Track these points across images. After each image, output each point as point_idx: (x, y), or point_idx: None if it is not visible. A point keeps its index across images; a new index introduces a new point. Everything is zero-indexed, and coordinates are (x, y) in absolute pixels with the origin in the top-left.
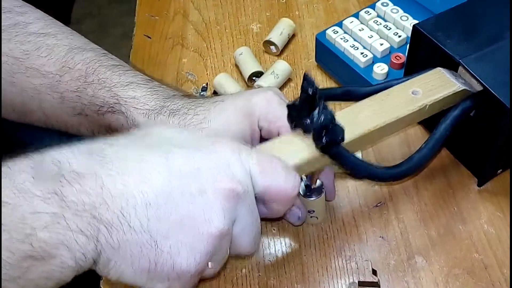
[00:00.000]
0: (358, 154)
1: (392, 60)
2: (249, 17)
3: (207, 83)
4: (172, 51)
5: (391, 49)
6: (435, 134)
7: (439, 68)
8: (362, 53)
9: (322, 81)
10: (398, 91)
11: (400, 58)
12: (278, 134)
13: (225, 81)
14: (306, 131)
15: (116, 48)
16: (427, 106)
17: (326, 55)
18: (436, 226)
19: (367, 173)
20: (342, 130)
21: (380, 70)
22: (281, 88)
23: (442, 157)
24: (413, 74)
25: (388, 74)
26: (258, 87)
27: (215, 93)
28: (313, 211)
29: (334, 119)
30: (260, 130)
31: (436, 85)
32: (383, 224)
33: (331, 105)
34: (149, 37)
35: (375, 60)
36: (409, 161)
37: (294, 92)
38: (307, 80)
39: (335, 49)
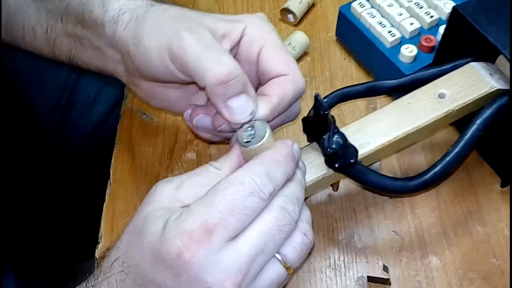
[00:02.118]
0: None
1: (421, 42)
2: None
3: None
4: None
5: (421, 30)
6: (464, 136)
7: (471, 64)
8: (389, 32)
9: (341, 57)
10: (423, 93)
11: (431, 41)
12: (259, 54)
13: None
14: (320, 146)
15: None
16: (454, 111)
17: (349, 30)
18: (454, 225)
19: (385, 188)
20: (355, 152)
21: (409, 52)
22: (297, 61)
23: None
24: (444, 65)
25: (416, 57)
26: None
27: None
28: None
29: (346, 142)
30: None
31: (466, 86)
32: (397, 218)
33: (354, 104)
34: None
35: (403, 40)
36: (432, 169)
37: (309, 67)
38: (318, 102)
39: (359, 24)
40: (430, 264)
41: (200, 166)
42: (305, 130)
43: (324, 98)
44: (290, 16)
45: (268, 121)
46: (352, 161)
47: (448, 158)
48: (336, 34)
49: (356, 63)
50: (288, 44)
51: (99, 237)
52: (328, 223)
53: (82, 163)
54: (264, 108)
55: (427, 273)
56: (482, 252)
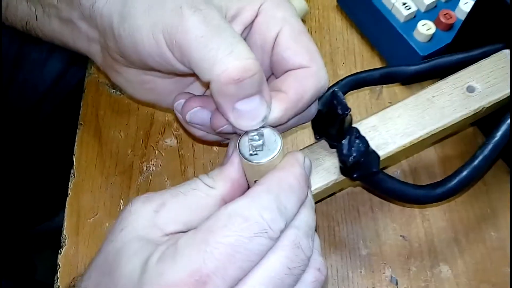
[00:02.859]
0: None
1: (439, 17)
2: None
3: None
4: None
5: (438, 3)
6: (493, 138)
7: (505, 52)
8: (404, 4)
9: (343, 28)
10: (450, 85)
11: (450, 17)
12: (276, 39)
13: None
14: (333, 146)
15: None
16: (485, 109)
17: None
18: (465, 229)
19: (407, 198)
20: (376, 160)
21: (426, 29)
22: None
23: (475, 138)
24: (472, 51)
25: (433, 36)
26: None
27: None
28: None
29: (368, 149)
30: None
31: (499, 79)
32: (405, 221)
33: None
34: None
35: (418, 15)
36: (457, 175)
37: None
38: (337, 100)
39: None
40: (441, 274)
41: (186, 181)
42: (314, 125)
43: (333, 85)
44: None
45: (280, 125)
46: (374, 170)
47: (475, 163)
48: (338, 1)
49: (359, 35)
50: None
51: (61, 240)
52: (329, 226)
53: (41, 122)
54: (278, 109)
55: (437, 284)
56: (496, 261)
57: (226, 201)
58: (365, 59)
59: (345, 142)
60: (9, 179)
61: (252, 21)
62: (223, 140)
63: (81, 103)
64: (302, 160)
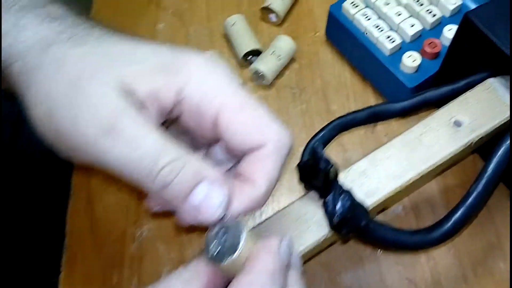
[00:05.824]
0: None
1: (424, 48)
2: None
3: None
4: (145, 13)
5: (422, 32)
6: (485, 173)
7: (489, 81)
8: (388, 37)
9: (333, 62)
10: (436, 121)
11: (436, 46)
12: (216, 124)
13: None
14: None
15: None
16: (474, 143)
17: (341, 34)
18: (473, 263)
19: (403, 245)
20: (364, 212)
21: (412, 61)
22: (282, 70)
23: (475, 165)
24: (456, 83)
25: (420, 66)
26: (255, 72)
27: None
28: None
29: (354, 202)
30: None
31: (485, 110)
32: (410, 261)
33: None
34: None
35: (403, 46)
36: (452, 216)
37: (297, 76)
38: (317, 156)
39: (353, 28)
40: None
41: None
42: (302, 178)
43: (319, 132)
44: (272, 15)
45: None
46: (362, 223)
47: (469, 201)
48: (327, 35)
49: (350, 67)
50: (272, 53)
51: None
52: (330, 277)
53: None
54: (245, 199)
55: None
56: None
57: None
58: (357, 92)
59: (329, 198)
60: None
61: (177, 103)
62: None
63: (72, 172)
64: (277, 248)
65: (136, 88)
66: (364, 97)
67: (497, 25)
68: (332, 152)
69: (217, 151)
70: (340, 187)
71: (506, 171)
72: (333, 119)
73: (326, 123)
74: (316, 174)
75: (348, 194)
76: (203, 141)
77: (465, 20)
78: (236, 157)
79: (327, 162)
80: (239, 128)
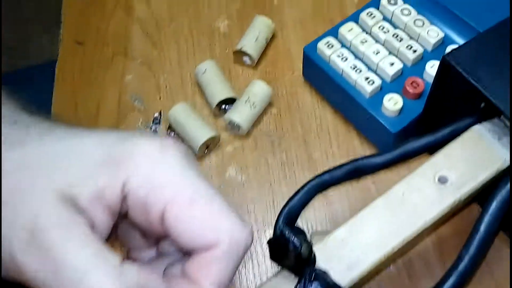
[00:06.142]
0: None
1: (406, 87)
2: (214, 10)
3: (160, 112)
4: (111, 65)
5: (403, 70)
6: (476, 234)
7: (474, 129)
8: (367, 79)
9: (313, 104)
10: (420, 177)
11: (418, 85)
12: (163, 220)
13: (184, 117)
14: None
15: None
16: (461, 201)
17: (318, 76)
18: None
19: None
20: None
21: (393, 105)
22: (260, 117)
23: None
24: (439, 131)
25: (402, 108)
26: (230, 122)
27: (171, 128)
28: None
29: (328, 286)
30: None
31: (472, 163)
32: None
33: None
34: (80, 43)
35: (384, 87)
36: (443, 284)
37: (276, 122)
38: (285, 239)
39: (330, 70)
40: None
41: None
42: (273, 257)
43: (296, 193)
44: (246, 58)
45: None
46: None
47: (461, 267)
48: (304, 77)
49: (331, 109)
50: (246, 100)
51: None
52: None
53: None
54: None
55: None
56: None
57: None
58: (340, 136)
59: (299, 286)
60: None
61: (123, 199)
62: None
63: None
64: None
65: (76, 193)
66: (347, 141)
67: (479, 67)
68: (315, 204)
69: (168, 244)
70: (313, 270)
71: (505, 218)
72: (315, 168)
73: (305, 182)
74: (287, 254)
75: (321, 278)
76: (153, 236)
77: (443, 63)
78: (186, 254)
79: (298, 242)
80: (187, 226)
